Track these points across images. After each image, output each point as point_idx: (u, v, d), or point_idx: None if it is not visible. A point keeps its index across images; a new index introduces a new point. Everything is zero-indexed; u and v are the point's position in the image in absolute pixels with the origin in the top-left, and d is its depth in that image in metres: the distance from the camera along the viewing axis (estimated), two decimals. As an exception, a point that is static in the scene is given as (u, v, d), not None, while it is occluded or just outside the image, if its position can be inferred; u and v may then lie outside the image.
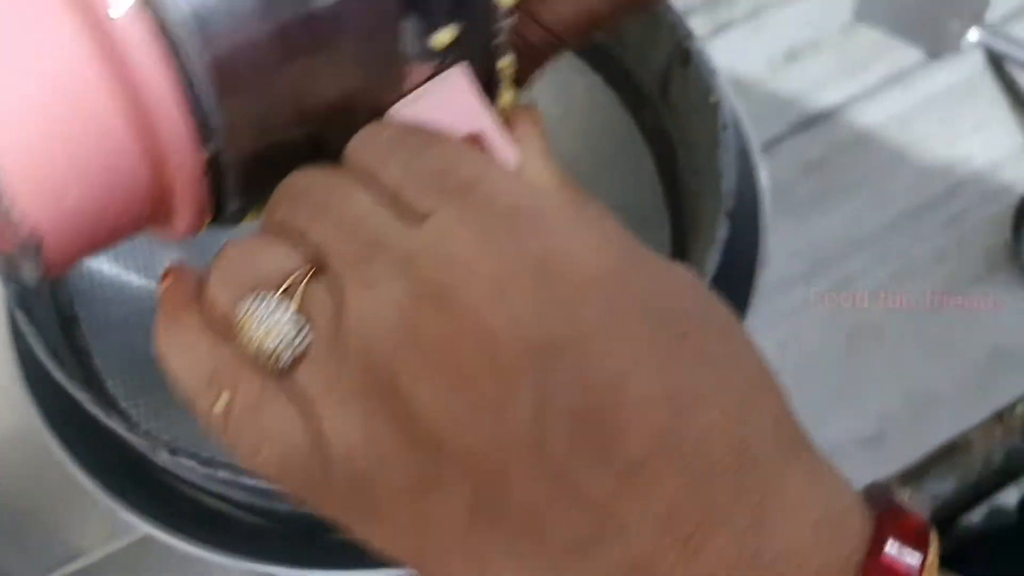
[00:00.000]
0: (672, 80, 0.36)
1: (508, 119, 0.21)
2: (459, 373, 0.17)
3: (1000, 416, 0.48)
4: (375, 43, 0.19)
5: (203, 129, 0.18)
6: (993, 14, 0.58)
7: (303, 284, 0.18)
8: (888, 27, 0.58)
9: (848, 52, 0.58)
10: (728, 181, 0.33)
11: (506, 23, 0.20)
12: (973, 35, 0.57)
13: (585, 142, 0.41)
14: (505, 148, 0.20)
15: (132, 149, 0.18)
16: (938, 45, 0.57)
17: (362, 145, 0.19)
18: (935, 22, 0.58)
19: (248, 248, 0.19)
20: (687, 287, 0.18)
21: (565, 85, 0.41)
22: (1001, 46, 0.56)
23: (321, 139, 0.20)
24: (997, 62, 0.56)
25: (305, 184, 0.19)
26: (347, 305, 0.17)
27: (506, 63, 0.21)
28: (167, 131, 0.18)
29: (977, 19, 0.57)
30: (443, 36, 0.20)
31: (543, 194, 0.19)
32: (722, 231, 0.32)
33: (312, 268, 0.18)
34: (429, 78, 0.20)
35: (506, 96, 0.22)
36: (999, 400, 0.48)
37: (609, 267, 0.17)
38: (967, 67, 0.57)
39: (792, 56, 0.58)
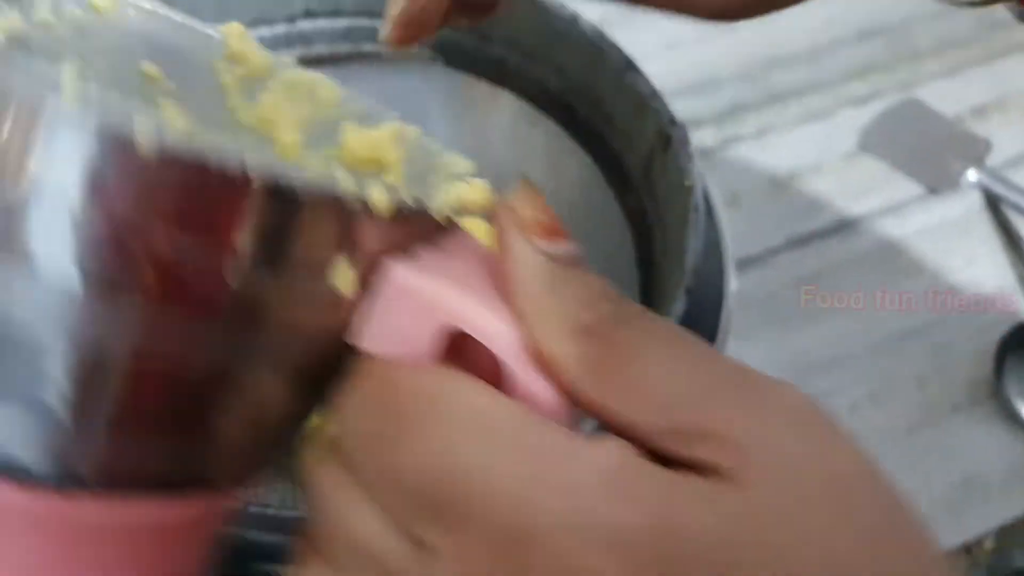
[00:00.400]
0: (654, 163, 0.38)
1: (492, 221, 0.18)
2: None
3: (968, 549, 0.47)
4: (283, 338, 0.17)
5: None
6: (995, 158, 0.60)
7: None
8: (890, 160, 0.60)
9: (850, 179, 0.60)
10: (691, 260, 0.34)
11: (428, 209, 0.18)
12: (972, 175, 0.58)
13: (571, 218, 0.42)
14: (492, 327, 0.17)
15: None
16: (938, 182, 0.59)
17: (344, 438, 0.17)
18: (937, 160, 0.60)
19: None
20: (748, 512, 0.15)
21: (557, 162, 0.43)
22: (999, 188, 0.58)
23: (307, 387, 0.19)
24: (993, 203, 0.57)
25: (317, 507, 0.18)
26: None
27: (445, 200, 0.18)
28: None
29: (978, 162, 0.59)
30: (343, 279, 0.17)
31: (541, 469, 0.15)
32: (679, 305, 0.33)
33: None
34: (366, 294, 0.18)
35: (473, 198, 0.19)
36: (968, 531, 0.47)
37: (642, 560, 0.14)
38: (964, 204, 0.58)
39: (795, 175, 0.60)
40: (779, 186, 0.59)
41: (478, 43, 0.43)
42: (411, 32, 0.29)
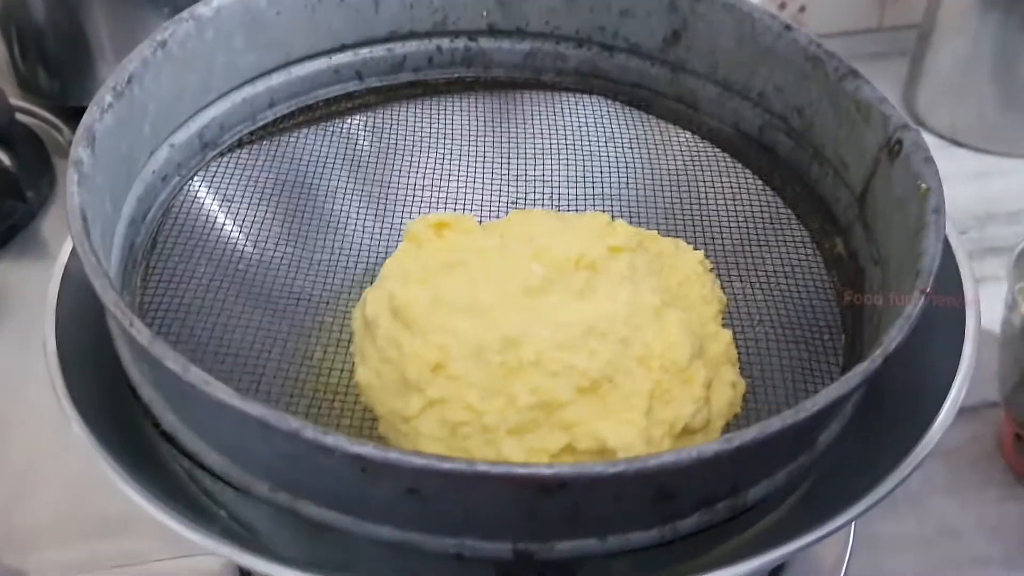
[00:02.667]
0: (874, 183, 0.31)
1: None
2: None
3: None
4: None
5: None
6: None
7: None
8: None
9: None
10: (929, 261, 0.26)
11: None
12: None
13: (762, 263, 0.35)
14: None
15: None
16: None
17: None
18: None
19: None
20: None
21: (746, 206, 0.37)
22: None
23: None
24: None
25: None
26: None
27: None
28: None
29: None
30: None
31: None
32: (913, 307, 0.25)
33: None
34: None
35: None
36: None
37: None
38: None
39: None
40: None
41: (670, 74, 0.39)
42: None
